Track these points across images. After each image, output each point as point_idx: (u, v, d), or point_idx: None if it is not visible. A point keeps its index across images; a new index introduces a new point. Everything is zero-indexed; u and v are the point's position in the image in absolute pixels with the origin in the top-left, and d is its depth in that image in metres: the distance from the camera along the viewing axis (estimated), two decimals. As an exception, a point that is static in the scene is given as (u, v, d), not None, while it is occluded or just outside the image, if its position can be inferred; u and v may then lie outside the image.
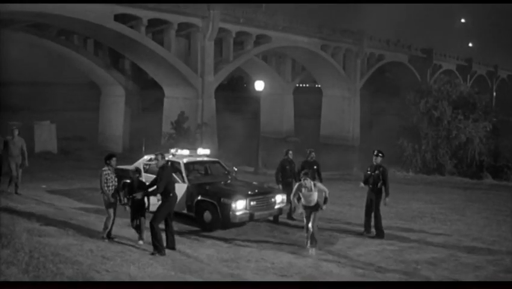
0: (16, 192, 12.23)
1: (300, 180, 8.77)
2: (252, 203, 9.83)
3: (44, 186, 15.25)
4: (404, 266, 7.92)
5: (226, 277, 6.82)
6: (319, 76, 52.63)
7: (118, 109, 40.29)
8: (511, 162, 19.89)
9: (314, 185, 8.72)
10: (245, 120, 54.00)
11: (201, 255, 8.11)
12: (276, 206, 10.43)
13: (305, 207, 8.72)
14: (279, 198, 10.52)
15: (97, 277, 5.46)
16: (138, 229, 8.33)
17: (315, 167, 11.04)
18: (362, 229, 10.31)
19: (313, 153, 11.22)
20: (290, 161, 11.07)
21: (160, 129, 36.71)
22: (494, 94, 70.57)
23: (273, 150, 30.74)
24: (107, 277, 5.60)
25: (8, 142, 12.22)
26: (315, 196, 8.67)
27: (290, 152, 11.27)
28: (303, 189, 8.64)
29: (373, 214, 10.11)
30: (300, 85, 61.85)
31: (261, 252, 8.56)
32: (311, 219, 8.60)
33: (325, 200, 8.74)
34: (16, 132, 12.49)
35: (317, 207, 8.69)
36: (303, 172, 8.95)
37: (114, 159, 8.68)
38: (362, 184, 10.34)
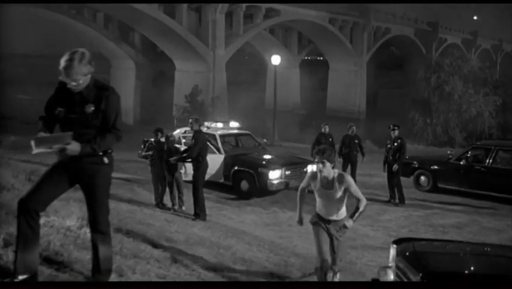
0: None
1: (318, 163, 4.66)
2: (286, 172, 10.59)
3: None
4: (432, 229, 8.70)
5: (276, 239, 7.59)
6: (326, 50, 52.88)
7: (129, 82, 40.83)
8: (519, 135, 20.60)
9: (341, 177, 4.68)
10: (252, 92, 54.63)
11: (246, 220, 8.89)
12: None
13: (319, 218, 4.82)
14: (310, 168, 11.28)
15: (175, 237, 6.19)
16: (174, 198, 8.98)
17: (356, 141, 11.68)
18: (386, 197, 11.12)
19: (354, 127, 11.80)
20: (325, 135, 11.67)
21: (171, 102, 37.38)
22: (498, 67, 70.77)
23: (280, 123, 31.36)
24: (181, 237, 6.34)
25: None
26: (340, 202, 4.72)
27: (326, 126, 11.86)
28: (317, 184, 4.74)
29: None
30: (307, 58, 61.93)
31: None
32: (332, 247, 4.81)
33: (355, 211, 4.69)
34: None
35: (341, 223, 4.74)
36: (316, 149, 4.88)
37: (159, 133, 9.36)
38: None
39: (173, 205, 8.89)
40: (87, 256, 4.27)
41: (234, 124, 12.35)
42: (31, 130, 3.50)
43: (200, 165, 8.58)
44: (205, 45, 34.77)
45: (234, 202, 10.34)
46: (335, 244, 4.84)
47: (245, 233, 7.63)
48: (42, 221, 4.68)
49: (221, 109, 34.63)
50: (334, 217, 4.77)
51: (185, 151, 8.88)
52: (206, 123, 12.13)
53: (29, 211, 3.21)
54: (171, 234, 6.41)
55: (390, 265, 4.35)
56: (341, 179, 4.69)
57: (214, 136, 11.36)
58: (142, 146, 13.15)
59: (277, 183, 10.39)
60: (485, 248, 3.98)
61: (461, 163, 11.95)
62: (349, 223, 4.72)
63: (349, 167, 11.85)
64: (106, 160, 3.41)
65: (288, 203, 10.52)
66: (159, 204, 9.02)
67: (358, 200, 4.72)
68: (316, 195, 4.86)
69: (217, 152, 10.93)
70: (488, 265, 3.30)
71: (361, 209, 4.71)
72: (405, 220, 9.42)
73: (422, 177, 12.76)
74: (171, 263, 4.89)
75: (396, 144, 11.08)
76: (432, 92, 22.11)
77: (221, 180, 11.04)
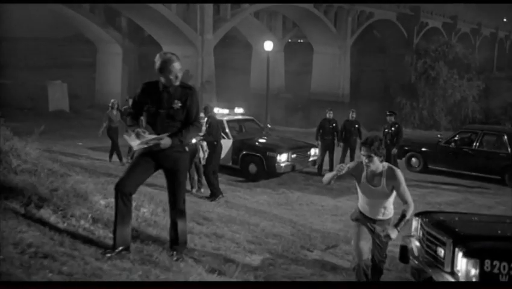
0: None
1: (364, 156, 4.12)
2: (293, 156, 11.29)
3: (80, 143, 16.41)
4: (430, 206, 9.51)
5: (293, 217, 8.30)
6: (311, 34, 53.41)
7: (115, 66, 40.81)
8: (500, 119, 21.61)
9: (391, 173, 4.16)
10: (237, 76, 55.02)
11: (259, 200, 9.59)
12: (310, 159, 11.94)
13: (362, 216, 4.40)
14: (313, 152, 12.02)
15: (208, 216, 6.80)
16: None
17: (356, 126, 12.43)
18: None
19: (354, 113, 12.57)
20: (329, 120, 12.37)
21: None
22: (477, 51, 72.36)
23: (264, 107, 31.98)
24: (213, 216, 6.96)
25: (124, 111, 12.29)
26: (387, 200, 4.27)
27: (331, 112, 12.55)
28: (362, 178, 4.26)
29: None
30: (291, 40, 62.36)
31: (307, 197, 10.09)
32: (375, 247, 4.36)
33: (401, 219, 4.08)
34: (130, 101, 12.84)
35: (385, 224, 4.27)
36: (363, 140, 4.24)
37: None
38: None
39: (192, 187, 9.50)
40: (154, 231, 4.94)
41: (238, 110, 12.94)
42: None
43: (215, 148, 9.30)
44: (193, 29, 34.98)
45: (244, 184, 11.01)
46: (379, 246, 4.29)
47: (264, 212, 8.33)
48: (103, 202, 5.32)
49: (210, 93, 35.11)
50: (380, 216, 4.23)
51: (203, 136, 9.48)
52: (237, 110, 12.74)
53: (124, 193, 3.84)
54: (204, 213, 7.04)
55: (412, 234, 5.12)
56: (391, 175, 4.09)
57: (221, 122, 11.95)
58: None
59: (285, 166, 11.09)
60: (500, 218, 4.76)
61: (450, 146, 12.85)
62: (394, 233, 4.01)
63: (348, 152, 12.61)
64: (186, 148, 4.05)
65: (293, 184, 11.27)
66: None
67: (405, 204, 4.12)
68: (359, 190, 4.30)
69: (225, 137, 11.55)
70: (508, 229, 4.09)
71: (407, 216, 4.07)
72: (404, 199, 10.25)
73: (413, 159, 13.65)
74: (217, 238, 5.56)
75: (393, 128, 11.95)
76: (418, 77, 22.98)
77: (230, 164, 11.68)
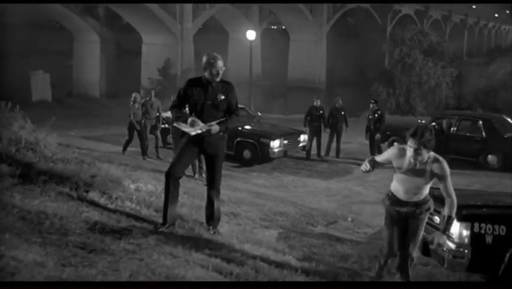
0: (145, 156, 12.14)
1: (412, 148, 3.79)
2: (285, 141, 12.00)
3: (72, 133, 16.72)
4: (414, 187, 10.39)
5: (291, 198, 9.01)
6: (287, 21, 53.98)
7: (93, 55, 40.58)
8: (472, 104, 22.77)
9: (438, 165, 3.90)
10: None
11: (257, 184, 10.28)
12: (300, 144, 12.68)
13: (395, 201, 4.11)
14: (302, 138, 12.76)
15: (224, 198, 7.40)
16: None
17: (342, 112, 13.20)
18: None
19: (340, 100, 13.32)
20: (317, 108, 13.11)
21: (137, 74, 37.78)
22: (447, 37, 74.16)
23: (245, 95, 32.55)
24: (224, 198, 7.59)
25: (146, 103, 12.27)
26: (426, 186, 4.04)
27: (318, 100, 13.27)
28: (404, 166, 3.95)
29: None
30: (268, 27, 62.71)
31: (300, 180, 10.83)
32: (406, 233, 4.09)
33: (448, 221, 3.95)
34: (153, 93, 12.75)
35: (422, 210, 4.07)
36: (411, 130, 3.83)
37: None
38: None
39: (194, 173, 10.10)
40: (187, 211, 5.56)
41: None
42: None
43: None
44: (172, 18, 35.11)
45: (240, 169, 11.67)
46: (410, 229, 4.01)
47: (265, 194, 9.02)
48: (133, 187, 5.92)
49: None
50: (415, 199, 4.00)
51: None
52: None
53: (175, 177, 4.49)
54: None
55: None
56: (437, 166, 3.85)
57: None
58: None
59: (278, 152, 11.79)
60: (483, 191, 5.57)
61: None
62: (443, 239, 3.97)
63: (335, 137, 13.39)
64: (225, 136, 4.70)
65: (286, 168, 11.99)
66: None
67: (448, 198, 3.91)
68: (397, 176, 4.03)
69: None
70: (491, 199, 4.89)
71: (453, 215, 3.89)
72: (389, 180, 11.07)
73: (395, 144, 14.51)
74: (234, 216, 6.23)
75: (376, 115, 12.78)
76: (395, 65, 23.93)
77: (225, 150, 12.28)
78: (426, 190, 4.06)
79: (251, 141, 11.87)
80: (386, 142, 14.38)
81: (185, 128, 4.53)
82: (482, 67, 24.84)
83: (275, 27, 66.68)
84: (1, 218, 3.78)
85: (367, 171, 4.20)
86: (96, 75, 40.55)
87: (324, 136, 13.37)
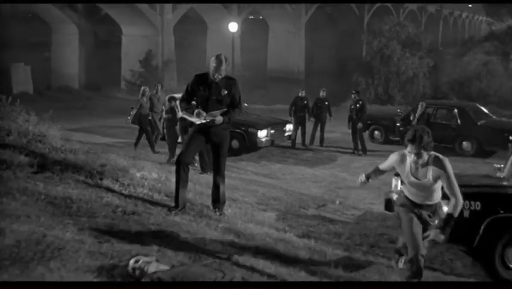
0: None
1: (412, 153, 3.80)
2: (271, 131, 12.47)
3: (58, 126, 16.86)
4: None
5: (281, 184, 9.50)
6: (266, 11, 54.18)
7: (72, 46, 40.22)
8: (447, 94, 23.59)
9: (438, 165, 3.85)
10: (193, 54, 55.26)
11: (247, 172, 10.71)
12: (286, 134, 13.19)
13: (410, 203, 4.07)
14: (288, 127, 13.27)
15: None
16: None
17: (326, 103, 13.74)
18: (349, 150, 13.42)
19: (325, 92, 13.84)
20: (302, 98, 13.59)
21: (117, 66, 37.69)
22: (423, 28, 75.41)
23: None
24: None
25: (152, 97, 12.31)
26: (436, 188, 3.98)
27: (303, 91, 13.79)
28: (405, 171, 3.98)
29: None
30: (248, 17, 62.82)
31: (287, 168, 11.34)
32: (426, 239, 3.99)
33: (448, 220, 3.85)
34: (159, 87, 12.80)
35: (436, 208, 4.06)
36: (409, 135, 3.80)
37: (173, 101, 10.83)
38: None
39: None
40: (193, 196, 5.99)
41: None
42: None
43: None
44: (152, 9, 35.10)
45: (229, 158, 11.93)
46: (427, 232, 3.93)
47: (256, 181, 9.49)
48: (139, 175, 6.32)
49: (171, 72, 35.55)
50: (428, 202, 3.98)
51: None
52: None
53: (185, 163, 4.94)
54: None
55: (393, 190, 6.43)
56: (438, 165, 3.81)
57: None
58: (131, 112, 14.53)
59: (265, 141, 12.27)
60: (461, 174, 6.15)
61: (410, 119, 14.40)
62: (439, 237, 3.84)
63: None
64: (229, 127, 5.14)
65: (272, 157, 12.50)
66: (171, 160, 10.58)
67: (453, 197, 3.80)
68: (404, 181, 4.09)
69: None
70: (470, 180, 5.47)
71: (455, 214, 3.80)
72: (371, 166, 11.67)
73: (376, 132, 15.19)
74: (233, 201, 6.68)
75: (358, 105, 13.33)
76: (374, 56, 24.58)
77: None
78: (438, 193, 3.97)
79: (239, 131, 12.29)
80: (367, 131, 15.02)
81: (192, 118, 4.96)
82: (457, 58, 25.74)
83: (253, 17, 66.95)
84: (32, 204, 4.17)
85: (363, 183, 4.39)
86: (75, 67, 40.25)
87: (309, 126, 13.90)
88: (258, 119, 13.13)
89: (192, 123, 10.00)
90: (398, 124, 14.24)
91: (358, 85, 24.96)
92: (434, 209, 4.04)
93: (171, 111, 10.83)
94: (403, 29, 25.03)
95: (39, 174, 5.02)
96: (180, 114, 9.72)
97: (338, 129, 15.96)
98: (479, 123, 13.60)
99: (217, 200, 5.25)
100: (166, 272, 2.92)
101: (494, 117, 14.63)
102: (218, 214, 5.13)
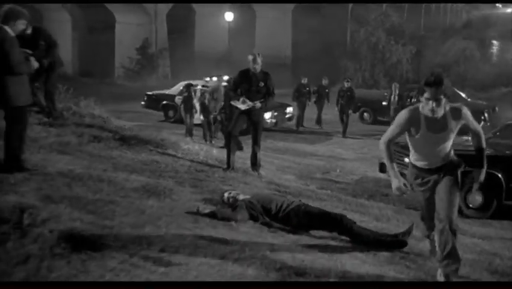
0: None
1: (430, 100, 3.40)
2: (275, 113, 14.17)
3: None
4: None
5: (286, 157, 11.22)
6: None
7: (65, 34, 41.10)
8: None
9: (457, 112, 3.52)
10: (179, 39, 56.38)
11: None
12: (287, 116, 14.93)
13: (423, 172, 3.68)
14: (289, 110, 15.01)
15: (244, 156, 9.58)
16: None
17: (326, 90, 15.44)
18: (339, 133, 15.20)
19: (327, 79, 15.63)
20: (304, 85, 15.30)
21: (111, 53, 38.79)
22: (406, 14, 77.21)
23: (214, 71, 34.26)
24: (244, 156, 9.74)
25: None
26: (450, 142, 3.60)
27: (306, 78, 15.50)
28: (421, 128, 3.51)
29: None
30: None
31: (290, 145, 13.07)
32: (443, 200, 3.53)
33: (481, 152, 3.67)
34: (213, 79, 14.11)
35: (454, 169, 3.64)
36: (428, 78, 3.41)
37: (191, 87, 12.49)
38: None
39: (205, 140, 12.17)
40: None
41: (226, 77, 15.55)
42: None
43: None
44: (145, -3, 36.21)
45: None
46: (445, 197, 3.50)
47: (268, 155, 11.13)
48: (186, 147, 7.97)
49: (165, 59, 36.87)
50: (444, 162, 3.59)
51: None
52: (206, 78, 15.26)
53: (234, 135, 6.65)
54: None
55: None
56: (458, 116, 3.49)
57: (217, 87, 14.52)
58: (145, 98, 16.20)
59: (270, 122, 13.97)
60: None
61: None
62: (483, 174, 3.64)
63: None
64: (264, 109, 6.84)
65: (276, 136, 14.23)
66: (189, 135, 12.18)
67: (477, 135, 3.62)
68: (414, 143, 3.58)
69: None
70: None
71: (484, 146, 3.64)
72: (363, 143, 13.54)
73: (365, 114, 17.01)
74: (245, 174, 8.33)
75: (349, 93, 15.03)
76: (361, 43, 26.38)
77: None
78: (451, 145, 3.60)
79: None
80: (357, 113, 16.81)
81: (238, 104, 6.64)
82: (438, 45, 27.62)
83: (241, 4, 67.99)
84: (134, 164, 5.83)
85: (406, 191, 3.66)
86: (68, 54, 41.09)
87: (308, 109, 15.63)
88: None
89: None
90: (385, 104, 16.03)
91: (347, 70, 26.74)
92: (449, 164, 3.60)
93: (189, 96, 12.47)
94: (387, 18, 26.84)
95: (123, 146, 6.66)
96: (206, 101, 11.47)
97: (329, 112, 17.69)
98: (455, 106, 15.48)
99: (255, 163, 6.97)
100: (251, 197, 4.62)
101: (469, 99, 16.54)
102: (257, 173, 6.85)
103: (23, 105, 4.60)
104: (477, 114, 14.79)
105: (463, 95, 16.65)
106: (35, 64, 4.83)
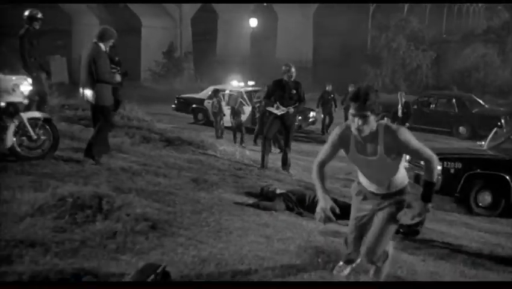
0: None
1: (356, 116, 2.90)
2: (299, 117, 14.91)
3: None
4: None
5: (309, 158, 12.00)
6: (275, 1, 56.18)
7: (92, 37, 42.48)
8: (449, 84, 25.92)
9: (389, 132, 2.97)
10: (203, 42, 57.51)
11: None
12: (310, 120, 15.71)
13: (363, 187, 3.32)
14: (311, 114, 15.78)
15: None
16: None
17: (332, 95, 16.03)
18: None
19: (353, 86, 16.20)
20: (328, 92, 16.03)
21: (137, 57, 39.98)
22: (427, 14, 77.02)
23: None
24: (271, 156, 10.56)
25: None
26: (394, 167, 3.13)
27: (330, 85, 16.17)
28: (350, 148, 3.10)
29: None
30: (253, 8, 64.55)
31: (314, 147, 13.84)
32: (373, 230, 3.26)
33: (429, 186, 3.12)
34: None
35: (399, 202, 3.19)
36: (351, 93, 2.94)
37: (218, 94, 13.38)
38: None
39: (235, 142, 13.00)
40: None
41: (251, 82, 16.40)
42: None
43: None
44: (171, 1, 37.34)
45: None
46: (377, 231, 3.18)
47: (293, 157, 11.96)
48: (221, 148, 8.81)
49: (189, 63, 37.90)
50: (387, 190, 3.16)
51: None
52: (232, 82, 16.11)
53: (268, 138, 7.47)
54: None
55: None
56: (390, 136, 2.95)
57: (241, 92, 15.40)
58: (175, 101, 17.14)
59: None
60: (449, 147, 8.70)
61: (414, 107, 16.90)
62: (427, 206, 3.10)
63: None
64: (297, 115, 7.65)
65: (300, 139, 14.98)
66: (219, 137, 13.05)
67: (426, 161, 3.05)
68: (351, 161, 3.17)
69: (246, 104, 15.03)
70: (454, 150, 8.03)
71: (434, 180, 3.07)
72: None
73: (385, 118, 17.67)
74: (277, 172, 9.15)
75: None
76: (382, 48, 27.00)
77: (249, 125, 15.22)
78: (402, 170, 3.17)
79: (272, 117, 14.77)
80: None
81: (273, 110, 7.45)
82: (458, 50, 28.00)
83: (265, 4, 68.98)
84: (182, 162, 6.69)
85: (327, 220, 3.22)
86: (95, 58, 42.47)
87: (336, 115, 16.31)
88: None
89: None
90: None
91: (367, 75, 27.34)
92: (394, 193, 3.15)
93: (218, 101, 13.34)
94: (407, 24, 27.39)
95: (169, 146, 7.54)
96: (236, 106, 12.33)
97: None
98: (473, 111, 16.11)
99: (286, 163, 7.79)
100: (287, 191, 5.45)
101: (486, 106, 17.11)
102: (287, 172, 7.66)
103: (108, 104, 5.89)
104: (493, 120, 15.37)
105: (481, 101, 17.21)
106: (118, 78, 6.05)
